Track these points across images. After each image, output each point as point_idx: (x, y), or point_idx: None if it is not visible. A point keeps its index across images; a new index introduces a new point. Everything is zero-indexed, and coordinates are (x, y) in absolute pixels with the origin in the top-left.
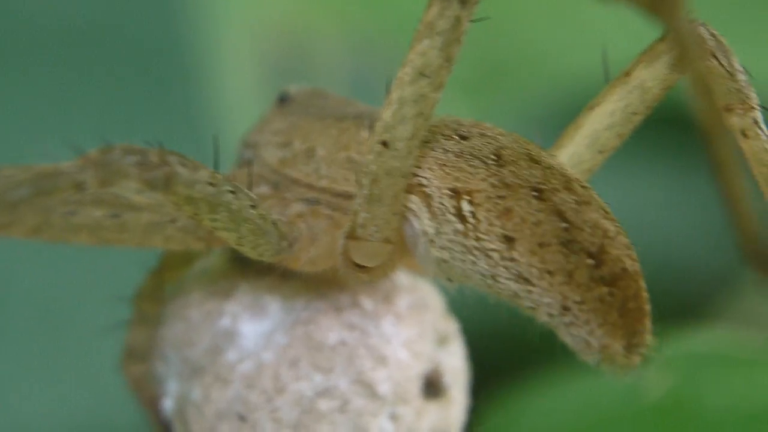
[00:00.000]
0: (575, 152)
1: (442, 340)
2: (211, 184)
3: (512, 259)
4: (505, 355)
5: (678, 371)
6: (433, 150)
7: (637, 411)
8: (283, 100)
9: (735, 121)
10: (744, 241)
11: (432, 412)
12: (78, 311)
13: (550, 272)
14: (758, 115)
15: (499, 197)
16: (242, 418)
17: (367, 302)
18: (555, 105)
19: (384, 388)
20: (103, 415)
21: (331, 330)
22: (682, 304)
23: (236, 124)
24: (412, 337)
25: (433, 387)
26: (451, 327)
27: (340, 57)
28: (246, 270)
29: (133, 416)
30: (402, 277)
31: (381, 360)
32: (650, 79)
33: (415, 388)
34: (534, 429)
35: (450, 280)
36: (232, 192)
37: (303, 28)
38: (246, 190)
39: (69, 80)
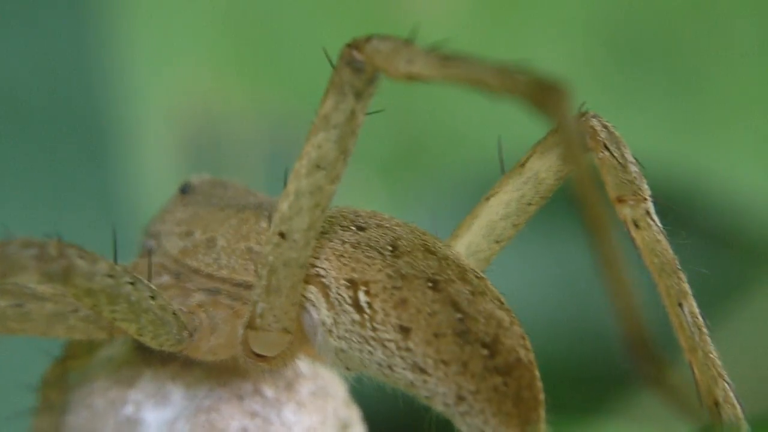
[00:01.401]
0: (472, 242)
1: (344, 427)
2: (110, 276)
3: (408, 349)
4: None
5: None
6: (331, 241)
7: None
8: (185, 190)
9: (627, 212)
10: (628, 334)
11: None
12: None
13: (445, 362)
14: (650, 206)
15: (395, 288)
16: None
17: (268, 390)
18: (471, 185)
19: None
20: None
21: (233, 418)
22: (577, 396)
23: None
24: (314, 424)
25: None
26: (354, 414)
27: (256, 137)
28: (149, 358)
29: None
30: (304, 365)
31: None
32: (544, 169)
33: None
34: None
35: (348, 369)
36: (131, 283)
37: (220, 109)
38: (146, 281)
39: None
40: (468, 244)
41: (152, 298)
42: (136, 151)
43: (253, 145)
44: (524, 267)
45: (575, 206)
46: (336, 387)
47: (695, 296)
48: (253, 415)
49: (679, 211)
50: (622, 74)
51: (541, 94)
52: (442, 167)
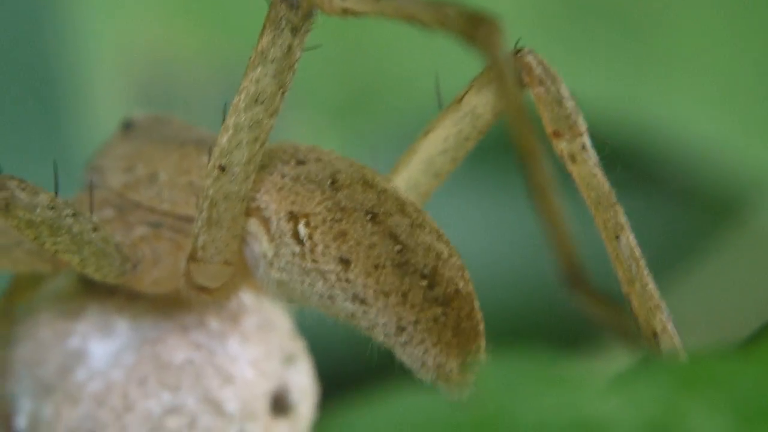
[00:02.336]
0: (411, 177)
1: (288, 359)
2: (51, 208)
3: (348, 281)
4: (353, 373)
5: (497, 388)
6: (271, 174)
7: (454, 425)
8: (127, 125)
9: (564, 146)
10: (562, 265)
11: (280, 429)
12: None
13: (385, 293)
14: (586, 140)
15: (335, 220)
16: None
17: (213, 322)
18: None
19: (231, 406)
20: None
21: (178, 349)
22: (515, 324)
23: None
24: (259, 356)
25: (280, 405)
26: (298, 346)
27: (206, 81)
28: (95, 291)
29: None
30: (249, 299)
31: (228, 378)
32: (481, 105)
33: (262, 405)
34: None
35: (291, 301)
36: (72, 216)
37: (171, 53)
38: (87, 214)
39: None
40: (407, 179)
41: (94, 230)
42: (86, 96)
43: (203, 89)
44: (472, 217)
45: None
46: (281, 320)
47: (660, 250)
48: (198, 346)
49: (621, 153)
50: (571, 21)
51: (472, 27)
52: (393, 113)
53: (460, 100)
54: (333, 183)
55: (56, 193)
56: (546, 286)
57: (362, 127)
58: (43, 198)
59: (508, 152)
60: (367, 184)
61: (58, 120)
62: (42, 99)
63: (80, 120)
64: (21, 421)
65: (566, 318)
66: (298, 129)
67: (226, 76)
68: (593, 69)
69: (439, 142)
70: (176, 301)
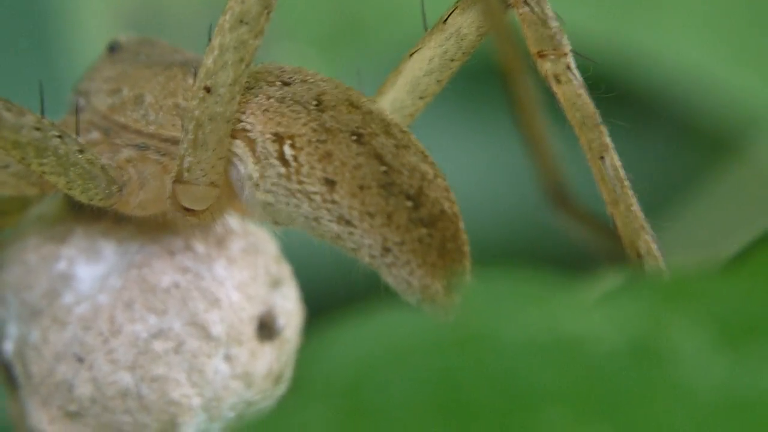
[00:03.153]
0: (396, 98)
1: (275, 283)
2: (36, 128)
3: (333, 202)
4: (338, 297)
5: (480, 306)
6: (256, 96)
7: (438, 343)
8: (113, 48)
9: (548, 66)
10: (547, 184)
11: (266, 353)
12: None
13: (370, 214)
14: (570, 60)
15: (320, 141)
16: (80, 360)
17: (199, 246)
18: None
19: (217, 329)
20: None
21: (164, 273)
22: (500, 249)
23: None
24: (245, 280)
25: (266, 329)
26: (285, 270)
27: (195, 10)
28: (81, 215)
29: None
30: (235, 223)
31: (214, 302)
32: (466, 26)
33: (249, 329)
34: (336, 358)
35: (276, 223)
36: (58, 137)
37: None
38: (73, 136)
39: None
40: (392, 100)
41: (80, 152)
42: (73, 20)
43: (192, 16)
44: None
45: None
46: (267, 244)
47: (656, 185)
48: (185, 270)
49: (606, 76)
50: None
51: None
52: (381, 42)
53: (445, 20)
54: (318, 104)
55: (42, 114)
56: (532, 212)
57: (349, 57)
58: (29, 119)
59: (493, 77)
60: (353, 105)
61: (45, 43)
62: (29, 22)
63: (67, 43)
64: (8, 345)
65: (554, 245)
66: (285, 60)
67: (215, 3)
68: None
69: (424, 63)
70: (162, 226)
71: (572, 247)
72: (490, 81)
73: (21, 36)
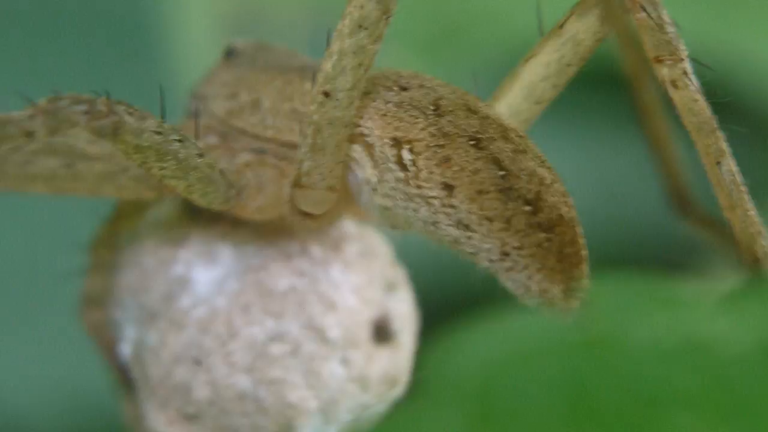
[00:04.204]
0: (512, 103)
1: (390, 287)
2: (158, 132)
3: (452, 206)
4: (452, 301)
5: (607, 309)
6: (374, 101)
7: (566, 346)
8: (230, 53)
9: (665, 72)
10: (671, 189)
11: (382, 356)
12: (36, 260)
13: (489, 219)
14: (687, 66)
15: (438, 146)
16: (197, 362)
17: (316, 250)
18: (509, 63)
19: (334, 333)
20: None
21: (281, 276)
22: (617, 251)
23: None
24: (361, 283)
25: (382, 332)
26: (399, 274)
27: (297, 16)
28: (198, 218)
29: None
30: (350, 226)
31: (331, 306)
32: (582, 31)
33: (364, 333)
34: (464, 363)
35: (394, 227)
36: (179, 141)
37: None
38: (193, 140)
39: (23, 32)
40: (508, 105)
41: (200, 156)
42: (178, 30)
43: (295, 25)
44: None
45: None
46: (382, 248)
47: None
48: (301, 273)
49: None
50: None
51: None
52: (481, 46)
53: (561, 26)
54: (436, 109)
55: (163, 118)
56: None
57: (450, 62)
58: (151, 123)
59: (607, 84)
60: (470, 110)
61: (147, 47)
62: (131, 25)
63: (168, 47)
64: (125, 348)
65: (666, 246)
66: (386, 63)
67: (318, 6)
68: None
69: (541, 69)
70: (279, 229)
71: (689, 251)
72: (605, 86)
73: (124, 39)
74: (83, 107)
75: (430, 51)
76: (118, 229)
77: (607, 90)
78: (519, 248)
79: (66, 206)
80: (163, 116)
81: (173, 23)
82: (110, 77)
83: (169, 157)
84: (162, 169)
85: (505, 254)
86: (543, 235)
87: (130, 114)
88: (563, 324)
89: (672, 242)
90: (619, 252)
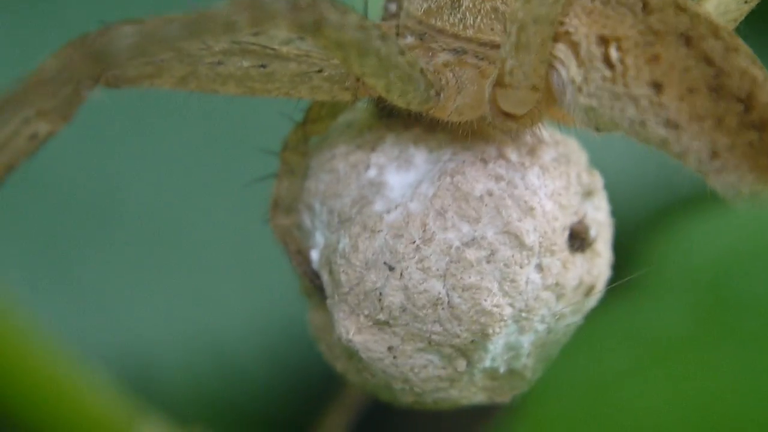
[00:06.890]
0: (721, 2)
1: (587, 194)
2: (360, 28)
3: (661, 105)
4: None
5: None
6: None
7: None
8: None
9: None
10: None
11: (578, 264)
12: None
13: (699, 117)
14: None
15: (647, 44)
16: (390, 268)
17: (512, 154)
18: None
19: (531, 238)
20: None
21: (477, 181)
22: None
23: None
24: (558, 189)
25: (579, 239)
26: (597, 180)
27: None
28: (391, 123)
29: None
30: (545, 132)
31: (528, 211)
32: None
33: (561, 239)
34: (694, 255)
35: (598, 129)
36: (380, 38)
37: None
38: (394, 37)
39: None
40: (717, 4)
41: (401, 53)
42: None
43: None
44: None
45: None
46: (578, 154)
47: None
48: (498, 178)
49: None
50: None
51: None
52: None
53: None
54: (644, 6)
55: (366, 15)
56: None
57: None
58: (353, 18)
59: None
60: (680, 8)
61: None
62: None
63: None
64: (315, 255)
65: None
66: None
67: None
68: None
69: None
70: (473, 134)
71: None
72: None
73: None
74: (286, 0)
75: None
76: (309, 134)
77: None
78: (730, 148)
79: (257, 109)
80: (366, 13)
81: None
82: None
83: (370, 54)
84: (362, 66)
85: (716, 154)
86: (755, 134)
87: (333, 9)
88: None
89: None
90: None
